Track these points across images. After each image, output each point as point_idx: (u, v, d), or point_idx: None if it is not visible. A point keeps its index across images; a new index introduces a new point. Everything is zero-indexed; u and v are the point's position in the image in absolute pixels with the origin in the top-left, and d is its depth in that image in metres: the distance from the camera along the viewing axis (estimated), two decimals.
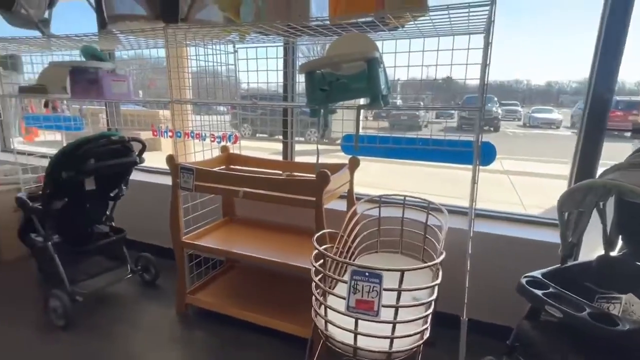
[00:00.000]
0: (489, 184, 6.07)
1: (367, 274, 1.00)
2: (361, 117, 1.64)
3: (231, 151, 2.36)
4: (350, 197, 1.98)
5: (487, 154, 1.61)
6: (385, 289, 1.00)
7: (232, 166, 2.34)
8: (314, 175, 1.57)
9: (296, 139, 2.41)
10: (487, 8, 1.31)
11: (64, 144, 3.28)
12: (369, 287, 1.00)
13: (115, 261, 2.29)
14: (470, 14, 1.38)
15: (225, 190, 1.78)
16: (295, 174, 2.20)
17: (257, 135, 2.97)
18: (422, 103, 2.00)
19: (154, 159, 2.61)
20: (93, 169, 1.81)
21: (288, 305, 1.97)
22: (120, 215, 2.33)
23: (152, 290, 2.33)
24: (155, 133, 2.42)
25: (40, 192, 1.93)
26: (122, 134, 1.96)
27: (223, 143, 2.35)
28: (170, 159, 1.87)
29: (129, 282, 2.36)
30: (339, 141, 1.94)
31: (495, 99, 12.64)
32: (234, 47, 2.29)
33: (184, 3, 1.88)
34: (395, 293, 1.03)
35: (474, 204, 1.38)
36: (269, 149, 3.69)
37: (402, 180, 6.63)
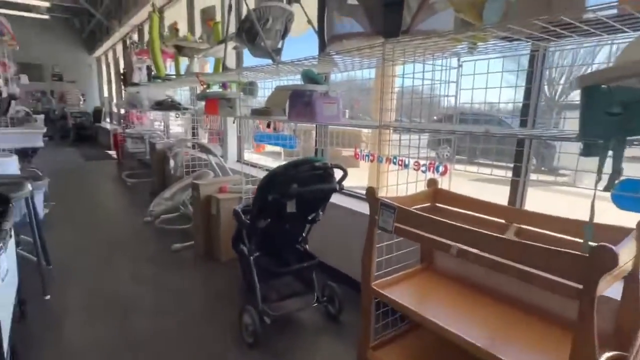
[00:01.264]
0: None
1: None
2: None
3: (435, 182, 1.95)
4: (635, 280, 1.24)
5: None
6: None
7: (438, 204, 1.92)
8: (560, 235, 0.99)
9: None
10: None
11: (282, 158, 3.69)
12: None
13: (304, 285, 2.23)
14: None
15: (433, 241, 1.39)
16: (525, 227, 1.60)
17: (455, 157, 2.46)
18: None
19: (351, 175, 2.44)
20: (295, 193, 1.75)
21: None
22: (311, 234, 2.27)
23: (334, 326, 2.16)
24: (357, 156, 2.27)
25: (251, 207, 2.03)
26: (325, 159, 1.85)
27: (429, 174, 1.98)
28: (371, 192, 1.62)
29: (313, 311, 2.27)
30: (566, 172, 1.25)
31: None
32: (458, 60, 1.89)
33: (407, 13, 1.62)
34: None
35: None
36: (467, 174, 3.10)
37: None
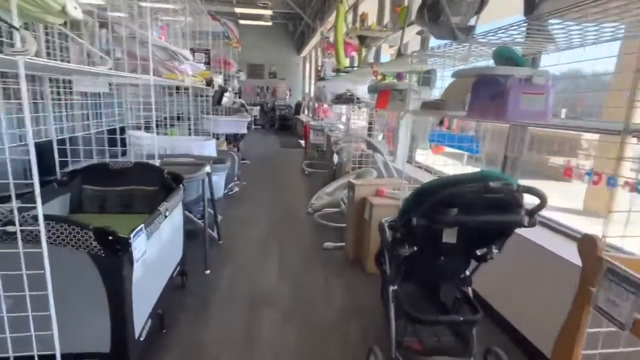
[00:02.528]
0: None
1: None
2: None
3: None
4: None
5: None
6: None
7: None
8: None
9: None
10: None
11: (464, 163, 3.04)
12: None
13: (459, 341, 1.65)
14: None
15: None
16: None
17: None
18: None
19: (556, 190, 1.61)
20: (453, 222, 1.22)
21: None
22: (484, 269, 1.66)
23: None
24: (569, 173, 1.51)
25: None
26: (510, 178, 1.22)
27: None
28: (588, 244, 0.94)
29: None
30: None
31: None
32: None
33: None
34: None
35: None
36: None
37: None
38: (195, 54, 3.99)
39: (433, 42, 3.61)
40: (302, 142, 8.55)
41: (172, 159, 2.82)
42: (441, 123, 2.29)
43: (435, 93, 2.63)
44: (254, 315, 2.10)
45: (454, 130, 2.70)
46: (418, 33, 3.27)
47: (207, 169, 2.55)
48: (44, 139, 2.03)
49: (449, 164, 2.80)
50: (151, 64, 2.12)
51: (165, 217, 1.73)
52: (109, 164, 2.13)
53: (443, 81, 2.51)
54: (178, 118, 4.32)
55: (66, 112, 2.12)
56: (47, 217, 1.19)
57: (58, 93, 2.12)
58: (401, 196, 2.43)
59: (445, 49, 2.13)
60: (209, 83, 3.71)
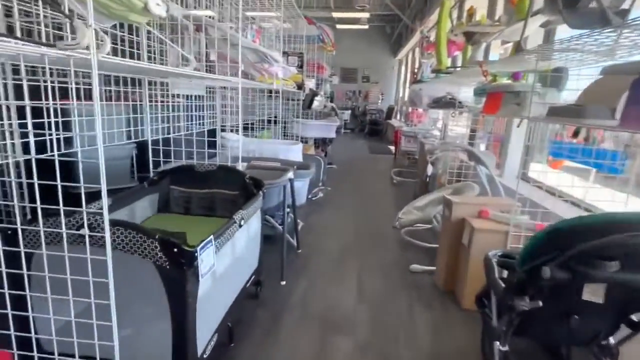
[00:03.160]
0: None
1: None
2: None
3: None
4: None
5: None
6: None
7: None
8: None
9: None
10: None
11: (590, 180, 2.42)
12: None
13: None
14: None
15: None
16: None
17: None
18: None
19: None
20: (608, 278, 0.84)
21: None
22: None
23: None
24: None
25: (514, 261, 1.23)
26: None
27: None
28: None
29: None
30: None
31: None
32: None
33: None
34: None
35: None
36: None
37: None
38: (289, 57, 3.97)
39: (559, 35, 3.00)
40: (392, 148, 8.17)
41: (258, 163, 2.79)
42: (575, 134, 1.81)
43: (565, 96, 2.11)
44: (326, 340, 1.90)
45: (582, 141, 2.16)
46: (542, 25, 2.72)
47: (290, 175, 2.43)
48: (141, 139, 2.11)
49: (578, 185, 2.23)
50: (240, 65, 2.07)
51: (240, 226, 1.63)
52: (195, 166, 2.13)
53: (578, 81, 1.99)
54: (269, 121, 4.37)
55: (161, 113, 2.18)
56: (116, 223, 1.14)
57: (156, 95, 2.20)
58: (512, 221, 1.99)
59: (588, 39, 1.66)
60: (300, 86, 3.65)
